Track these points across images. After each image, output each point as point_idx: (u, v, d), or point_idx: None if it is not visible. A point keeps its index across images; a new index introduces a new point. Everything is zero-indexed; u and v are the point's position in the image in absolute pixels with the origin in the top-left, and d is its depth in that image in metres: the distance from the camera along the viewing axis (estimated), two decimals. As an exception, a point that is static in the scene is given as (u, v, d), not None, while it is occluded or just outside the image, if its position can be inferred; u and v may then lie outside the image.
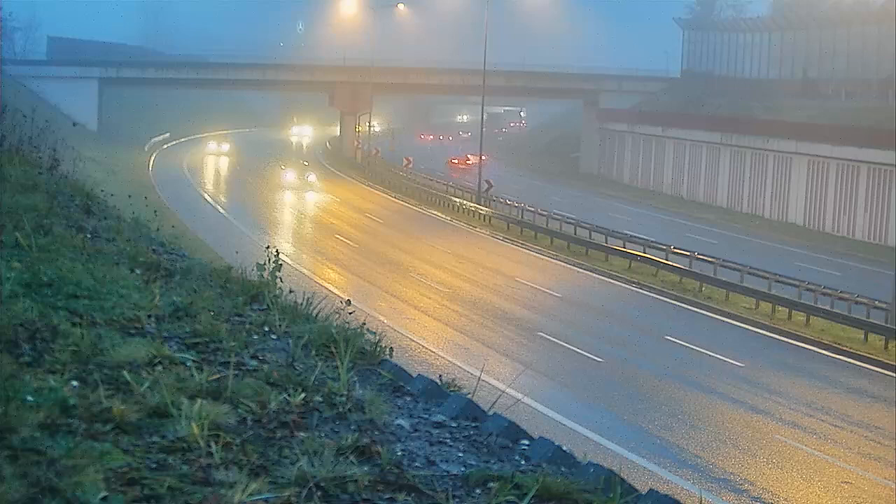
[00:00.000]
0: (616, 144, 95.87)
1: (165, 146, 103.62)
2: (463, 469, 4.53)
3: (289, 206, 71.75)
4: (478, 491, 4.28)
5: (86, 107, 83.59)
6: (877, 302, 38.78)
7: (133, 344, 5.59)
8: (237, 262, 9.67)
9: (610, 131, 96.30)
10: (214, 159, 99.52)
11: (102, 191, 16.77)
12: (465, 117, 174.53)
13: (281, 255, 8.57)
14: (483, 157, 74.89)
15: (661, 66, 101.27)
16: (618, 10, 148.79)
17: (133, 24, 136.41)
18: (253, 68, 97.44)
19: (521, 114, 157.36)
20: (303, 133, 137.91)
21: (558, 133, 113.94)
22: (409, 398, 5.73)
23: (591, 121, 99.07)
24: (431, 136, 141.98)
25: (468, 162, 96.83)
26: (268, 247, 9.25)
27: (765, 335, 37.98)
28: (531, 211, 63.12)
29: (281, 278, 8.35)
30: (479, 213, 65.49)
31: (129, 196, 18.95)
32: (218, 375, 5.14)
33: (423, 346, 33.29)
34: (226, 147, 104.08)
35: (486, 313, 39.22)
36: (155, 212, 14.89)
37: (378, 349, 6.56)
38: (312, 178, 79.05)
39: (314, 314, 7.36)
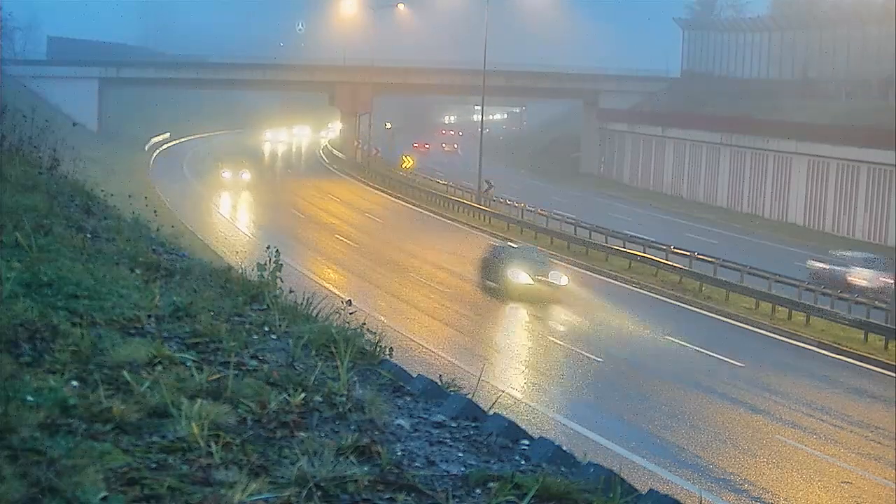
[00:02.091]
0: (616, 144, 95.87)
1: (165, 146, 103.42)
2: (463, 469, 4.53)
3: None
4: (478, 491, 4.29)
5: (86, 107, 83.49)
6: (877, 302, 38.83)
7: (133, 344, 5.59)
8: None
9: (610, 131, 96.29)
10: (248, 206, 70.14)
11: (102, 191, 16.77)
12: (452, 118, 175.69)
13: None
14: (455, 146, 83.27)
15: (661, 66, 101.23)
16: (618, 10, 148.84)
17: (133, 24, 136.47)
18: (253, 68, 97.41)
19: (517, 111, 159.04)
20: (277, 139, 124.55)
21: (558, 133, 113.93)
22: (409, 398, 5.73)
23: (591, 121, 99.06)
24: (452, 132, 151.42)
25: (426, 147, 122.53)
26: (268, 247, 9.23)
27: (765, 335, 37.97)
28: (531, 211, 63.13)
29: (281, 278, 8.35)
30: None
31: (130, 196, 18.95)
32: (218, 375, 5.14)
33: (423, 346, 33.27)
34: (246, 176, 76.17)
35: (487, 313, 39.18)
36: (155, 212, 14.90)
37: (378, 349, 6.56)
38: (548, 275, 41.70)
39: (314, 314, 7.36)
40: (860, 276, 47.02)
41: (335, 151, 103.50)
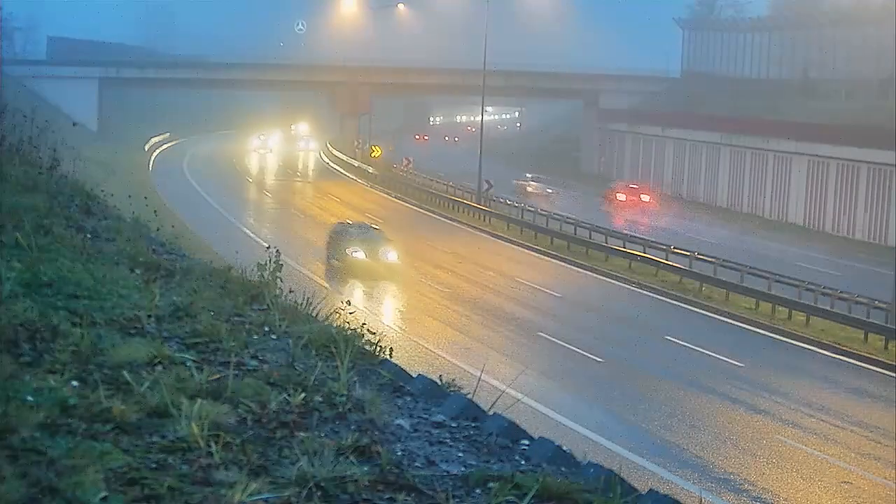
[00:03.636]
0: (616, 144, 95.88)
1: (165, 146, 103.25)
2: (463, 469, 4.53)
3: None
4: (478, 491, 4.28)
5: (86, 107, 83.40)
6: (877, 302, 38.81)
7: (133, 344, 5.59)
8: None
9: (610, 131, 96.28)
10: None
11: (102, 191, 16.76)
12: (438, 119, 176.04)
13: None
14: (456, 139, 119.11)
15: (661, 66, 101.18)
16: (618, 10, 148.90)
17: (133, 24, 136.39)
18: (253, 68, 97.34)
19: (519, 110, 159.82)
20: (269, 145, 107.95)
21: (558, 133, 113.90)
22: (409, 398, 5.73)
23: (591, 121, 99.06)
24: (472, 129, 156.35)
25: (425, 138, 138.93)
26: (268, 247, 9.24)
27: (765, 335, 37.96)
28: (531, 211, 63.13)
29: (281, 278, 8.35)
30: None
31: (130, 196, 18.94)
32: (218, 375, 5.14)
33: (423, 346, 33.26)
34: (359, 255, 43.39)
35: (487, 313, 39.17)
36: (155, 211, 14.88)
37: (378, 349, 6.56)
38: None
39: (314, 314, 7.36)
40: (531, 188, 78.84)
41: (342, 156, 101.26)
